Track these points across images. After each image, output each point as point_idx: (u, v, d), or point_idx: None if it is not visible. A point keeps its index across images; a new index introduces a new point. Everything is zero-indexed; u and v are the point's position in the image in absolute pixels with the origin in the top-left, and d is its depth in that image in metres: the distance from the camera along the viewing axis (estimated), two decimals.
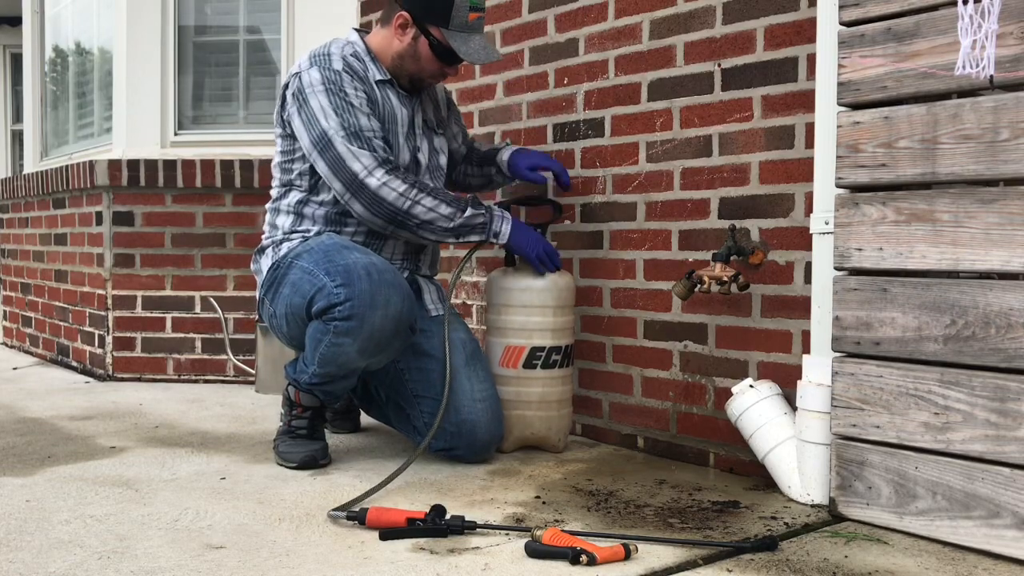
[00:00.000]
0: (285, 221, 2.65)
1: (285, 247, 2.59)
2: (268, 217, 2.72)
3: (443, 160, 2.79)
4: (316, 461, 2.47)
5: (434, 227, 2.51)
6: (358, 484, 2.30)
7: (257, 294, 2.69)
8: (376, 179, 2.45)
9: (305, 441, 2.51)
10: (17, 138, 8.73)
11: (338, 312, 2.33)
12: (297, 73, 2.57)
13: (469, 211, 2.53)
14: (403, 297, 2.38)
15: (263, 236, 2.73)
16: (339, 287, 2.33)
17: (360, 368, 2.46)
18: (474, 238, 2.56)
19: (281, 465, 2.49)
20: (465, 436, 2.50)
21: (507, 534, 1.92)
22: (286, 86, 2.61)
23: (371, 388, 2.69)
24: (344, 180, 2.47)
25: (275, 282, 2.55)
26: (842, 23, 2.04)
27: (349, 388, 2.57)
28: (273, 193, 2.71)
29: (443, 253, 3.40)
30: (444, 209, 2.50)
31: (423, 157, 2.70)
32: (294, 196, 2.64)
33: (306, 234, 2.60)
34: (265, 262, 2.64)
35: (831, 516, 2.07)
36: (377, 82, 2.60)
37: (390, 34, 2.61)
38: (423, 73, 2.62)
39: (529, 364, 2.64)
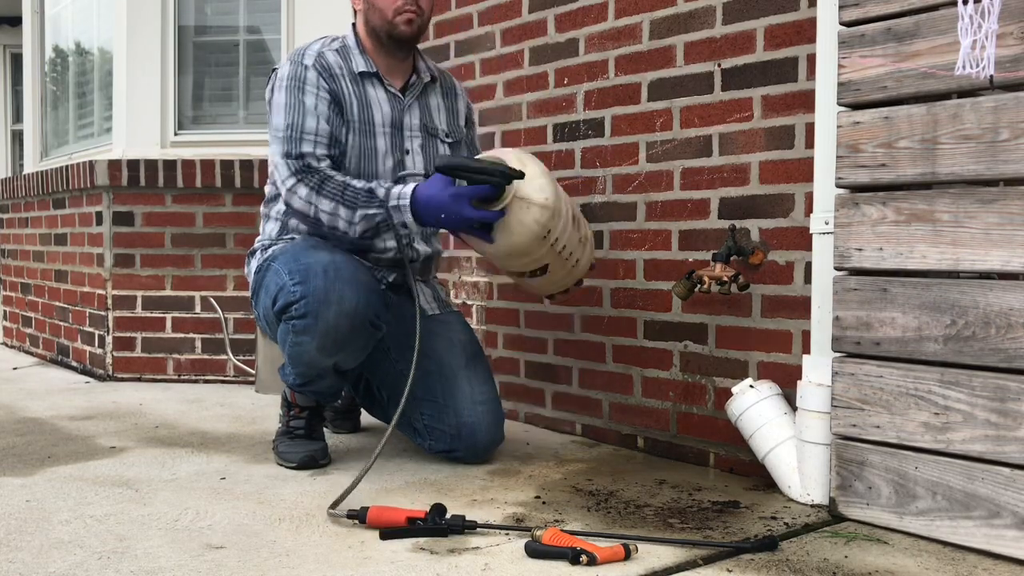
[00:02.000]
0: (274, 227, 2.64)
1: (270, 250, 2.58)
2: (261, 220, 2.72)
3: None
4: (316, 461, 2.47)
5: (342, 232, 2.42)
6: (358, 484, 2.30)
7: (249, 295, 2.69)
8: (286, 187, 2.44)
9: (304, 441, 2.51)
10: (17, 138, 8.73)
11: (295, 310, 2.32)
12: (275, 69, 2.58)
13: (360, 212, 2.38)
14: (358, 293, 2.31)
15: (258, 236, 2.73)
16: (296, 285, 2.32)
17: (329, 367, 2.42)
18: (389, 237, 2.49)
19: (281, 465, 2.49)
20: (465, 439, 2.49)
21: (507, 534, 1.92)
22: (268, 80, 2.60)
23: (373, 388, 2.69)
24: (277, 184, 2.49)
25: (257, 285, 2.54)
26: (842, 23, 2.04)
27: (335, 387, 2.55)
28: (267, 191, 2.68)
29: (445, 252, 3.40)
30: (343, 212, 2.39)
31: (412, 162, 2.61)
32: (282, 202, 2.60)
33: (289, 241, 2.58)
34: (254, 264, 2.63)
35: (831, 516, 2.07)
36: (360, 74, 2.55)
37: (355, 5, 2.60)
38: (387, 14, 2.51)
39: None
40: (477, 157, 2.37)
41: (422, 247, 2.68)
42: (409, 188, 2.36)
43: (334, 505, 2.03)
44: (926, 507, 1.91)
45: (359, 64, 2.56)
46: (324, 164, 2.46)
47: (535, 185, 2.26)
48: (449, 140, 2.70)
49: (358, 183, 2.41)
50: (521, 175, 2.23)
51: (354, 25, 2.65)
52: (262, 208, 2.71)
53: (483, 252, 2.45)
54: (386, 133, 2.57)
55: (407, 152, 2.61)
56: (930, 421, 1.91)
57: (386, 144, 2.57)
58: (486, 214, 2.25)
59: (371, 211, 2.37)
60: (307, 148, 2.45)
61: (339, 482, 2.33)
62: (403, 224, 2.37)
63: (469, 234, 2.34)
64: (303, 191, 2.41)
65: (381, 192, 2.38)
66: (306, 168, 2.43)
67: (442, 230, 2.57)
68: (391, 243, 2.55)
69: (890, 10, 1.96)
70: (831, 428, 2.08)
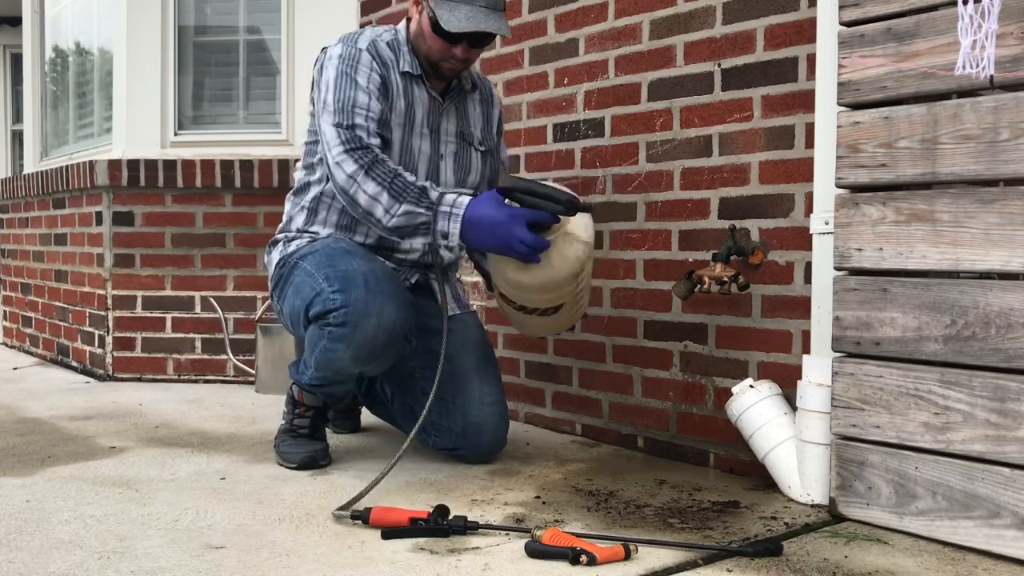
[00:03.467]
0: (299, 217, 2.61)
1: (294, 244, 2.56)
2: (287, 207, 2.68)
3: (473, 179, 2.63)
4: (316, 462, 2.46)
5: (375, 219, 2.32)
6: (358, 484, 2.30)
7: (269, 287, 2.67)
8: (332, 155, 2.35)
9: (306, 441, 2.51)
10: (17, 138, 8.72)
11: (333, 318, 2.31)
12: (325, 49, 2.52)
13: (404, 207, 2.28)
14: (398, 307, 2.32)
15: (279, 226, 2.69)
16: (336, 293, 2.30)
17: (355, 374, 2.44)
18: (419, 241, 2.39)
19: (281, 465, 2.49)
20: (471, 438, 2.50)
21: (507, 534, 1.92)
22: (316, 62, 2.55)
23: (377, 386, 2.69)
24: (324, 155, 2.41)
25: (281, 280, 2.54)
26: (842, 23, 2.04)
27: (350, 392, 2.57)
28: (297, 178, 2.64)
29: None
30: (385, 199, 2.29)
31: (446, 168, 2.57)
32: (313, 191, 2.58)
33: (315, 236, 2.57)
34: (275, 256, 2.61)
35: (831, 516, 2.07)
36: (403, 73, 2.50)
37: (412, 14, 2.52)
38: (432, 54, 2.47)
39: None
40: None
41: (446, 253, 2.62)
42: (464, 199, 2.28)
43: (343, 508, 2.02)
44: (926, 507, 1.91)
45: (405, 63, 2.50)
46: (375, 142, 2.37)
47: (582, 222, 2.26)
48: (482, 149, 2.66)
49: (410, 176, 2.33)
50: (587, 208, 2.22)
51: (408, 21, 2.56)
52: (291, 196, 2.66)
53: (507, 281, 2.35)
54: (424, 135, 2.53)
55: (441, 157, 2.57)
56: (930, 421, 1.90)
57: (421, 145, 2.53)
58: (539, 239, 2.19)
59: (417, 210, 2.28)
60: (359, 120, 2.37)
61: (338, 483, 2.33)
62: (444, 234, 2.27)
63: (509, 256, 2.24)
64: (350, 166, 2.33)
65: (433, 195, 2.29)
66: (357, 141, 2.34)
67: (474, 252, 2.52)
68: (417, 245, 2.52)
69: (890, 10, 1.96)
70: (831, 428, 2.08)
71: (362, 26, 3.90)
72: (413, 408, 2.60)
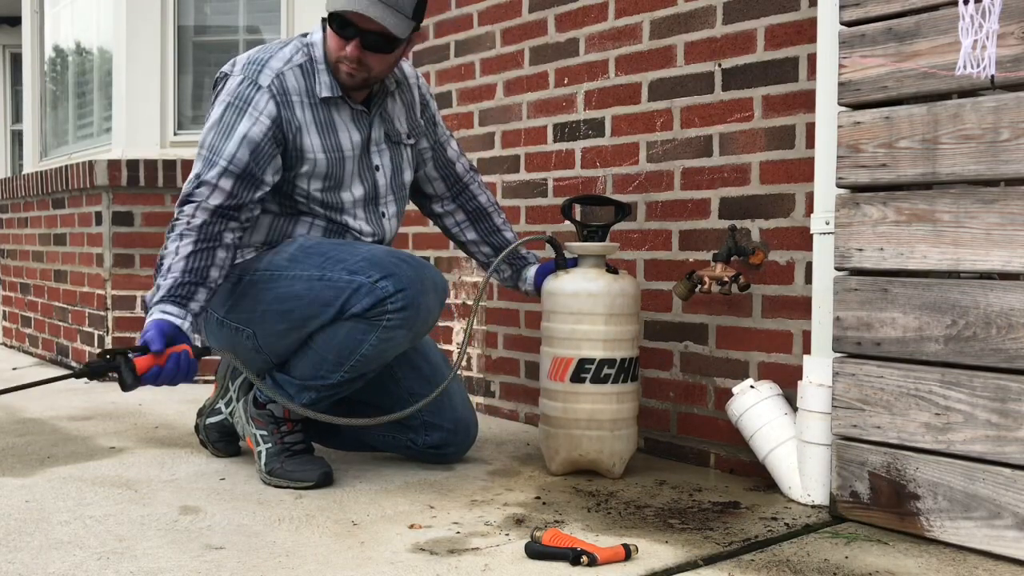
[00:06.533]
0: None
1: (252, 260, 2.38)
2: None
3: (407, 176, 2.55)
4: (331, 477, 2.31)
5: (160, 258, 2.23)
6: (358, 484, 2.30)
7: None
8: (175, 213, 2.26)
9: (309, 457, 2.36)
10: (17, 138, 8.72)
11: (391, 304, 2.20)
12: (227, 76, 2.35)
13: (160, 280, 2.18)
14: (437, 271, 2.32)
15: None
16: (383, 280, 2.20)
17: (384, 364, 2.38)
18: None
19: (291, 487, 2.27)
20: (460, 433, 2.52)
21: (507, 534, 1.92)
22: (216, 82, 2.39)
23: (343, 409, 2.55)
24: None
25: (242, 297, 2.35)
26: (843, 23, 2.04)
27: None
28: None
29: (445, 252, 3.41)
30: (159, 279, 2.19)
31: (383, 177, 2.47)
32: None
33: (258, 247, 2.40)
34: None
35: (832, 517, 2.07)
36: (323, 100, 2.34)
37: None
38: (340, 61, 2.29)
39: (577, 378, 2.41)
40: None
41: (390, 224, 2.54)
42: (185, 324, 2.16)
43: None
44: (927, 508, 1.91)
45: (324, 87, 2.33)
46: (215, 203, 2.22)
47: None
48: (410, 142, 2.54)
49: (176, 266, 2.17)
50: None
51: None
52: None
53: None
54: (354, 157, 2.39)
55: (376, 169, 2.45)
56: (931, 422, 1.90)
57: (354, 168, 2.40)
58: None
59: (162, 283, 2.18)
60: (212, 175, 2.24)
61: (339, 482, 2.33)
62: (159, 310, 2.18)
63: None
64: (170, 232, 2.22)
65: (160, 292, 2.17)
66: (191, 201, 2.23)
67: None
68: (367, 228, 2.44)
69: (891, 10, 1.96)
70: (832, 428, 2.08)
71: None
72: (399, 410, 2.49)
